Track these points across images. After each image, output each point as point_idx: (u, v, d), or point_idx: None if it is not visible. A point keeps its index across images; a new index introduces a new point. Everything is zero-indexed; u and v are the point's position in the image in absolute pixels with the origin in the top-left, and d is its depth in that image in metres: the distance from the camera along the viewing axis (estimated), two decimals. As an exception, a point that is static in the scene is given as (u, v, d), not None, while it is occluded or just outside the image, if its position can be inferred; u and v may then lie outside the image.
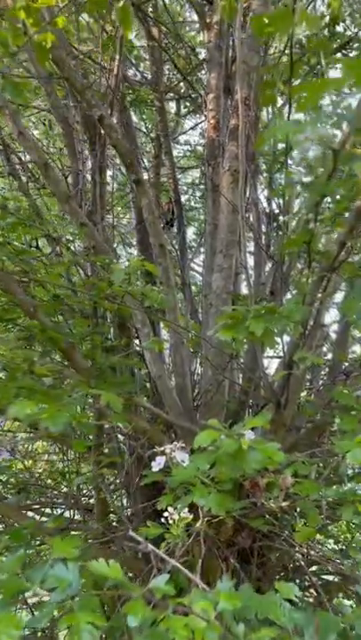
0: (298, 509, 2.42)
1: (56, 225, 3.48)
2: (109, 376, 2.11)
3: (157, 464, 1.56)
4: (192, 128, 5.48)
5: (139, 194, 2.77)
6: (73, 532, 2.67)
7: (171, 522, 1.59)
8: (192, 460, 1.18)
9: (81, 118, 3.46)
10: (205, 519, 1.58)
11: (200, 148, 6.37)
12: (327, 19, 4.13)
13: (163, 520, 1.57)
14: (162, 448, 1.62)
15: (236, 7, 1.80)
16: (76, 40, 3.81)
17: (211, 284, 2.74)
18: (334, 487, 1.76)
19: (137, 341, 3.35)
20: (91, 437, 2.41)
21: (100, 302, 2.09)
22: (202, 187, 6.33)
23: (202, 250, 5.95)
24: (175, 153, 6.18)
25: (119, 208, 6.17)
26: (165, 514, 1.59)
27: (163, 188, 4.76)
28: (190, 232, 7.01)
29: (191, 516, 1.52)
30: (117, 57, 3.17)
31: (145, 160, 5.97)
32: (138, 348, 3.34)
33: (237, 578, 2.53)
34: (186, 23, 5.30)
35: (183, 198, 6.89)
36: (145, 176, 5.09)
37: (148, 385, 3.21)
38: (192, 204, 6.86)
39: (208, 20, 3.47)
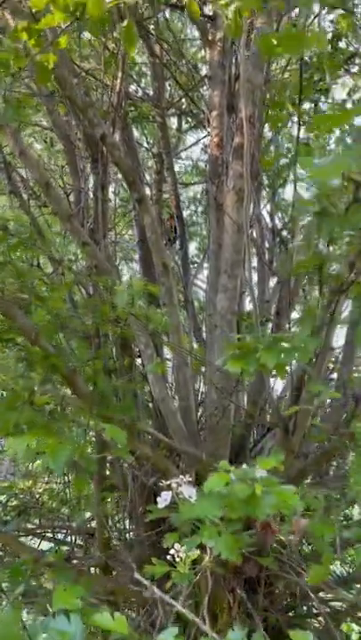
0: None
1: (58, 244, 3.43)
2: (111, 402, 2.05)
3: (163, 500, 1.49)
4: (194, 144, 5.46)
5: (141, 212, 2.72)
6: (74, 561, 2.60)
7: (177, 560, 1.52)
8: (200, 500, 1.11)
9: (83, 135, 3.43)
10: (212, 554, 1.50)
11: (202, 164, 6.36)
12: (329, 35, 4.13)
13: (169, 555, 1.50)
14: (168, 482, 1.56)
15: (242, 25, 1.76)
16: (78, 57, 3.79)
17: (215, 304, 2.69)
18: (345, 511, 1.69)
19: (140, 360, 3.29)
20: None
21: (102, 326, 2.03)
22: (204, 202, 6.30)
23: (205, 265, 5.91)
24: (177, 168, 6.17)
25: (121, 225, 6.13)
26: (172, 551, 1.52)
27: (165, 204, 4.72)
28: (192, 247, 6.97)
29: (198, 552, 1.46)
30: (120, 74, 3.15)
31: (147, 175, 5.95)
32: (141, 368, 3.29)
33: (244, 608, 2.45)
34: (188, 40, 5.31)
35: (185, 213, 6.86)
36: (147, 192, 5.07)
37: (150, 404, 3.15)
38: (194, 218, 6.82)
39: (210, 38, 3.45)
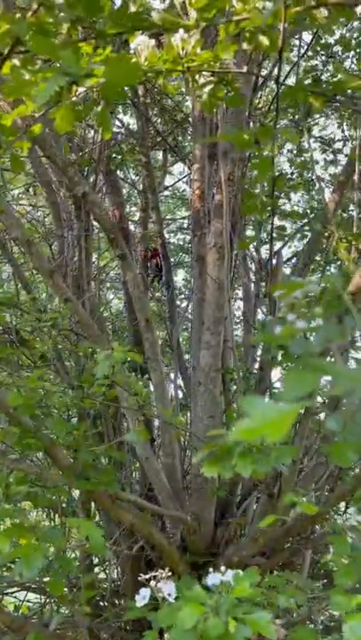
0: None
1: (43, 295, 3.41)
2: (93, 473, 2.02)
3: (142, 598, 1.46)
4: (178, 180, 5.50)
5: (123, 269, 2.72)
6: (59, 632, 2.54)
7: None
8: (173, 629, 1.07)
9: (65, 183, 3.43)
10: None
11: (187, 190, 6.37)
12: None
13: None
14: (146, 576, 1.53)
15: (216, 103, 1.77)
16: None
17: (199, 359, 2.68)
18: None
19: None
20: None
21: (85, 402, 2.01)
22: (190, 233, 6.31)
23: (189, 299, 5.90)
24: (162, 197, 6.19)
25: (107, 254, 6.13)
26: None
27: (151, 241, 4.72)
28: (180, 276, 6.97)
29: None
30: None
31: (133, 207, 5.95)
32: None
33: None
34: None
35: (173, 239, 6.87)
36: (132, 228, 5.07)
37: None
38: (181, 243, 6.82)
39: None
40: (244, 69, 1.73)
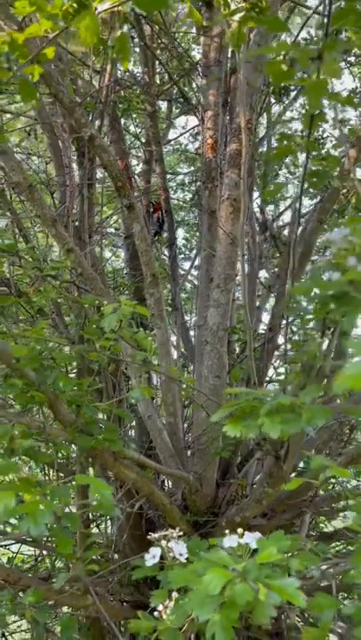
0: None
1: (41, 247, 3.27)
2: (96, 430, 1.95)
3: (151, 557, 1.40)
4: (183, 133, 5.28)
5: (130, 219, 2.58)
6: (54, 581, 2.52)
7: (164, 616, 1.44)
8: (191, 598, 1.00)
9: (69, 127, 3.24)
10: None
11: (191, 148, 6.15)
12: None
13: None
14: (156, 535, 1.47)
15: (245, 35, 1.61)
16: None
17: (206, 318, 2.58)
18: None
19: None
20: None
21: (91, 355, 1.92)
22: (193, 189, 6.12)
23: (195, 256, 5.75)
24: (166, 150, 5.97)
25: (110, 211, 5.94)
26: (159, 607, 1.44)
27: (154, 194, 4.54)
28: (180, 235, 6.79)
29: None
30: (109, 66, 2.95)
31: (135, 161, 5.73)
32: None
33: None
34: (181, 20, 5.06)
35: (174, 196, 6.65)
36: (135, 181, 4.87)
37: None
38: (182, 203, 6.61)
39: (206, 24, 3.24)
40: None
